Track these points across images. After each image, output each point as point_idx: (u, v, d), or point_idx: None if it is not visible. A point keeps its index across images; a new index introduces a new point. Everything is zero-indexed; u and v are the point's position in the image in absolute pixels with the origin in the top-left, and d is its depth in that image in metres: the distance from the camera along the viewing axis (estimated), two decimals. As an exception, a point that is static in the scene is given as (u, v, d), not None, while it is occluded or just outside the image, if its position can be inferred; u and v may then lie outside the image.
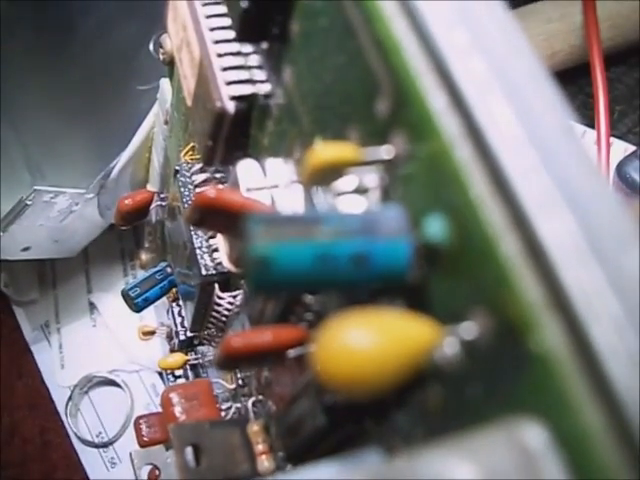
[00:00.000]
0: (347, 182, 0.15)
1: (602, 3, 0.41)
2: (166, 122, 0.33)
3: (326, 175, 0.14)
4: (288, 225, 0.13)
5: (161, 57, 0.30)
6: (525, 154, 0.12)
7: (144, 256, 0.41)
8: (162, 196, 0.34)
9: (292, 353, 0.18)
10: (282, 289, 0.14)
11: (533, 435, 0.11)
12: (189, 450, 0.24)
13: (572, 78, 0.42)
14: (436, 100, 0.13)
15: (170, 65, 0.30)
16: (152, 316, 0.42)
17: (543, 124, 0.13)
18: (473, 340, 0.13)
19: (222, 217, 0.18)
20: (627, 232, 0.11)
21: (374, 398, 0.13)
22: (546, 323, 0.11)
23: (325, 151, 0.14)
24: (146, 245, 0.40)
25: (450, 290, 0.13)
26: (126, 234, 0.46)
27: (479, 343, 0.12)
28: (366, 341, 0.12)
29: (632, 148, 0.40)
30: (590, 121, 0.39)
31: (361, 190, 0.15)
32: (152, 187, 0.37)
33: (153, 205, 0.35)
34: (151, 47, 0.40)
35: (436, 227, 0.13)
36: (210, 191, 0.17)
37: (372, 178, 0.15)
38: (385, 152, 0.14)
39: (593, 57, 0.40)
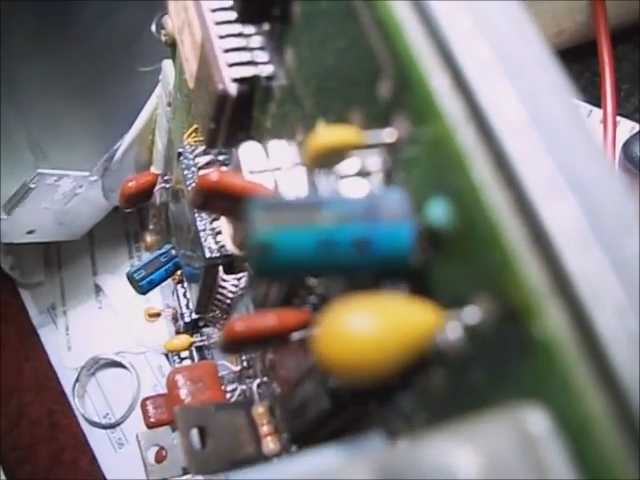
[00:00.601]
0: (350, 165, 0.15)
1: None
2: (169, 104, 0.33)
3: (328, 158, 0.14)
4: (289, 210, 0.13)
5: (163, 38, 0.30)
6: (529, 137, 0.12)
7: (149, 238, 0.41)
8: (166, 178, 0.34)
9: (296, 336, 0.18)
10: (284, 274, 0.14)
11: (535, 421, 0.11)
12: (195, 432, 0.24)
13: (579, 56, 0.42)
14: (439, 82, 0.13)
15: (172, 46, 0.30)
16: (158, 298, 0.42)
17: (547, 107, 0.12)
18: (476, 325, 0.12)
19: (225, 200, 0.18)
20: (631, 217, 0.11)
21: (377, 383, 0.13)
22: (549, 308, 0.11)
23: (327, 134, 0.14)
24: (151, 227, 0.40)
25: (453, 275, 0.13)
26: (131, 216, 0.46)
27: (482, 328, 0.12)
28: (368, 326, 0.12)
29: (639, 127, 0.40)
30: (597, 100, 0.38)
31: (364, 173, 0.15)
32: (156, 169, 0.37)
33: (157, 187, 0.35)
34: (153, 28, 0.39)
35: (439, 211, 0.13)
36: (213, 174, 0.17)
37: (375, 161, 0.15)
38: (387, 135, 0.14)
39: (600, 35, 0.39)
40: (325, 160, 0.14)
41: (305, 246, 0.13)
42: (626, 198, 0.11)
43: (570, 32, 0.41)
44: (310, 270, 0.13)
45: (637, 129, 0.40)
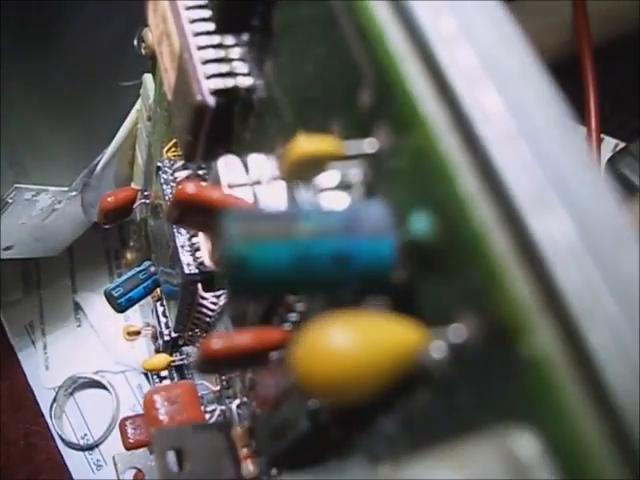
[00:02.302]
0: (329, 178, 0.14)
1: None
2: (149, 118, 0.32)
3: (307, 169, 0.14)
4: (265, 223, 0.12)
5: (143, 51, 0.30)
6: (516, 146, 0.12)
7: (129, 255, 0.40)
8: (146, 194, 0.34)
9: (275, 356, 0.17)
10: (260, 291, 0.14)
11: (525, 445, 0.10)
12: (171, 454, 0.23)
13: (562, 73, 0.41)
14: (421, 89, 0.13)
15: (153, 59, 0.29)
16: (138, 316, 0.41)
17: (535, 115, 0.12)
18: (462, 344, 0.12)
19: (202, 214, 0.17)
20: (625, 230, 0.11)
21: (358, 404, 0.13)
22: (539, 326, 0.11)
23: (306, 144, 0.13)
24: (131, 244, 0.40)
25: (437, 291, 0.13)
26: (111, 233, 0.45)
27: (468, 347, 0.12)
28: (347, 345, 0.12)
29: (622, 144, 0.40)
30: (580, 117, 0.38)
31: (344, 186, 0.15)
32: (136, 185, 0.36)
33: (137, 203, 0.34)
34: (135, 43, 0.39)
35: (422, 224, 0.12)
36: (189, 187, 0.17)
37: (355, 173, 0.14)
38: (368, 145, 0.14)
39: (583, 52, 0.39)
40: (304, 171, 0.14)
41: (281, 260, 0.12)
42: (618, 211, 0.11)
43: (554, 49, 0.41)
44: (287, 286, 0.13)
45: (621, 146, 0.40)
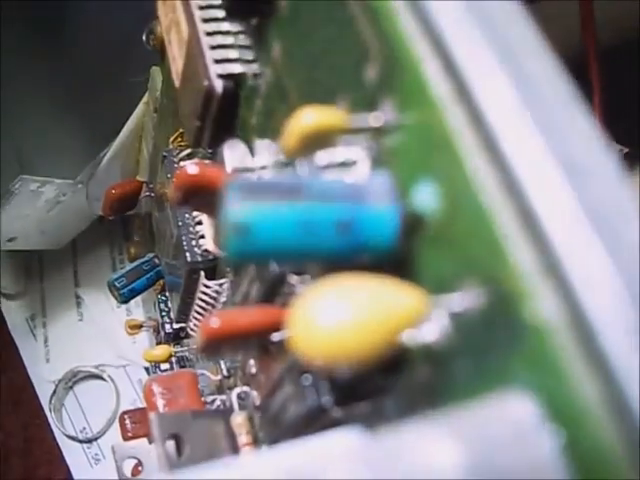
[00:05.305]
0: (335, 154, 0.15)
1: (600, 3, 0.40)
2: (156, 110, 0.32)
3: (312, 143, 0.14)
4: (268, 190, 0.12)
5: (151, 44, 0.30)
6: (520, 119, 0.12)
7: (133, 250, 0.40)
8: (151, 186, 0.34)
9: (276, 337, 0.17)
10: (261, 258, 0.14)
11: (526, 410, 0.10)
12: (171, 440, 0.23)
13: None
14: (428, 65, 0.13)
15: (161, 52, 0.30)
16: (140, 312, 0.41)
17: (540, 90, 0.12)
18: (463, 312, 0.12)
19: (205, 195, 0.17)
20: (627, 200, 0.11)
21: (358, 380, 0.13)
22: (540, 292, 0.11)
23: (312, 115, 0.13)
24: (135, 239, 0.40)
25: (440, 261, 0.13)
26: (115, 227, 0.45)
27: (470, 315, 0.12)
28: (347, 312, 0.12)
29: (627, 150, 0.40)
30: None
31: (349, 163, 0.15)
32: (142, 177, 0.36)
33: (142, 195, 0.34)
34: (144, 38, 0.39)
35: (426, 195, 0.12)
36: (191, 167, 0.17)
37: (360, 150, 0.14)
38: (374, 119, 0.14)
39: (590, 58, 0.39)
40: (309, 144, 0.14)
41: (284, 226, 0.12)
42: (621, 181, 0.11)
43: (560, 54, 0.41)
44: (289, 254, 0.13)
45: (625, 152, 0.40)
